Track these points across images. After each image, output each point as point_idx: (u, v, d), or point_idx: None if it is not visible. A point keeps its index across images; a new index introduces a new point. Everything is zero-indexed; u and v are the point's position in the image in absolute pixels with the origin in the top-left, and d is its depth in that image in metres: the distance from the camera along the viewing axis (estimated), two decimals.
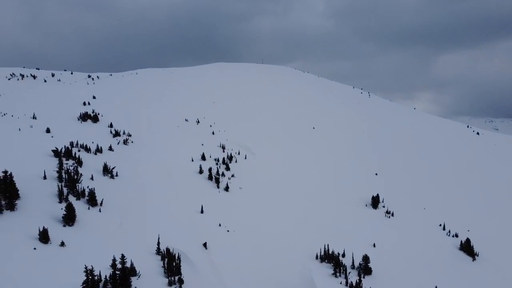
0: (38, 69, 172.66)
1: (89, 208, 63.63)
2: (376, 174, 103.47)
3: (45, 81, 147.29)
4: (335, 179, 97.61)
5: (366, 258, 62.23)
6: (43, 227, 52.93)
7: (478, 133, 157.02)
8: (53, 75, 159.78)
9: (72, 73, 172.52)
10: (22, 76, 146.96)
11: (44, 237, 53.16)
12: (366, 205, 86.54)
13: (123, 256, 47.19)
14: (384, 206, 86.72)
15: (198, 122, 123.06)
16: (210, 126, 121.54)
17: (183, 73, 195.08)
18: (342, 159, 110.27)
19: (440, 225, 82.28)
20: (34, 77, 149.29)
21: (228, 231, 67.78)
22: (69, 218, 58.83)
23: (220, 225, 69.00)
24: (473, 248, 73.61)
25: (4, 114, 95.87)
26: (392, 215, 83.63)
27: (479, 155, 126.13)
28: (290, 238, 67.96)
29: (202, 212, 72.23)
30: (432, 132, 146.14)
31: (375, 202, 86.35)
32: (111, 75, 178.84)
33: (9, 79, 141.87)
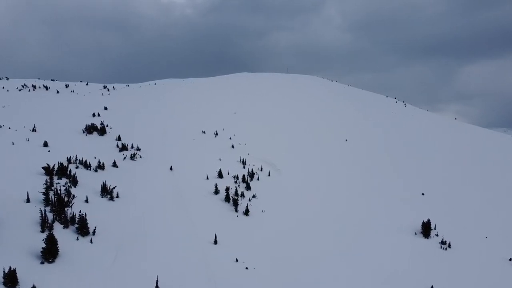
0: (53, 80, 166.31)
1: (78, 239, 51.91)
2: (423, 194, 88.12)
3: (57, 92, 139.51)
4: (375, 200, 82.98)
5: None
6: (10, 267, 41.33)
7: None
8: (67, 86, 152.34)
9: (87, 84, 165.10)
10: (34, 87, 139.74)
11: (10, 280, 41.26)
12: (416, 234, 71.46)
13: None
14: (437, 235, 71.35)
15: (217, 134, 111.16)
16: (230, 138, 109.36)
17: (203, 83, 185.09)
18: (381, 177, 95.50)
19: (511, 259, 66.26)
20: (47, 88, 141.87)
21: (247, 268, 54.35)
22: (49, 252, 46.87)
23: (237, 260, 55.68)
24: None
25: (1, 127, 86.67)
26: (449, 246, 68.14)
27: None
28: (325, 280, 53.90)
29: (215, 243, 59.26)
30: (484, 145, 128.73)
31: (426, 229, 71.17)
32: (128, 85, 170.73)
33: (19, 90, 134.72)
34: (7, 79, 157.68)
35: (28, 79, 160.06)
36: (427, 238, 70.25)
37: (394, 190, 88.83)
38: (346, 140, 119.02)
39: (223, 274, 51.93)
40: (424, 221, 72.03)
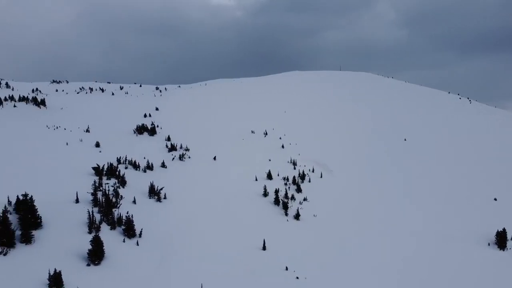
0: (109, 82, 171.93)
1: (124, 241, 50.68)
2: (496, 199, 79.02)
3: (112, 94, 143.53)
4: (440, 206, 75.41)
5: None
6: (55, 269, 40.43)
7: None
8: (121, 88, 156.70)
9: (141, 86, 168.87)
10: (91, 89, 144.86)
11: (55, 282, 40.29)
12: (489, 244, 63.51)
13: None
14: None
15: (266, 134, 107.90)
16: (280, 138, 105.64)
17: (253, 82, 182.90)
18: (446, 180, 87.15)
19: None
20: (103, 90, 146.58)
21: (297, 278, 50.33)
22: (95, 254, 45.87)
23: (287, 268, 51.85)
24: None
25: (57, 128, 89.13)
26: None
27: None
28: None
29: (264, 248, 55.81)
30: None
31: (501, 239, 62.99)
32: (179, 86, 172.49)
33: (78, 93, 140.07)
34: (67, 82, 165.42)
35: (86, 82, 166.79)
36: (503, 250, 62.09)
37: (462, 195, 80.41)
38: (405, 140, 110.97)
39: (272, 284, 48.26)
40: (499, 230, 63.85)
